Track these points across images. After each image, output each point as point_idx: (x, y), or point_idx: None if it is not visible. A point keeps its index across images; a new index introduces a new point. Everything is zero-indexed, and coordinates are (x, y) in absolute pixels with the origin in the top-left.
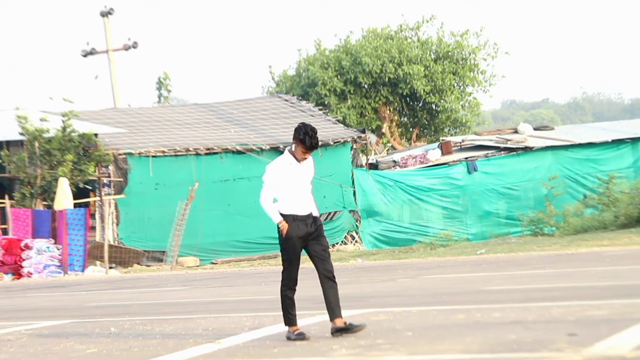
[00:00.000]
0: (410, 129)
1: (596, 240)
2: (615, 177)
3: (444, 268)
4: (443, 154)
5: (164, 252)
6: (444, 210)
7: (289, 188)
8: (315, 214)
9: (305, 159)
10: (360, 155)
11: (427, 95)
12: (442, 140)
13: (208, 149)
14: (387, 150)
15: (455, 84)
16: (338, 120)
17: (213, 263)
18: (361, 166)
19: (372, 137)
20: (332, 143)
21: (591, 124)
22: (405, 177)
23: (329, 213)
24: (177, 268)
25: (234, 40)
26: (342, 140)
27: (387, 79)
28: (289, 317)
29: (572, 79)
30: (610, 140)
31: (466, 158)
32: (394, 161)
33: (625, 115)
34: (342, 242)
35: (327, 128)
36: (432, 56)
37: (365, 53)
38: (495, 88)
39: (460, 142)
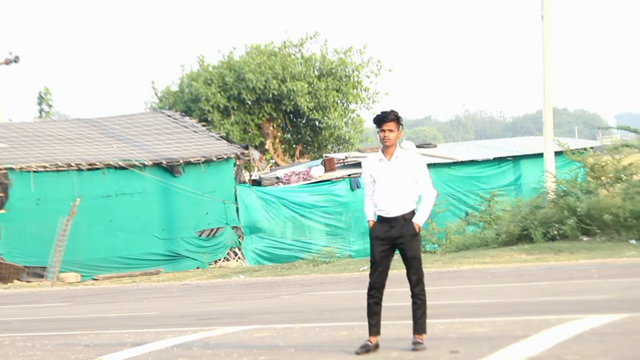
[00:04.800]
0: (294, 146)
1: (478, 257)
2: (497, 194)
3: (327, 285)
4: (326, 170)
5: (45, 268)
6: (327, 227)
7: (378, 186)
8: (418, 219)
9: (388, 143)
10: (244, 171)
11: (311, 112)
12: (326, 156)
13: (90, 165)
14: (271, 166)
15: (339, 101)
16: (221, 137)
17: (94, 279)
18: (244, 182)
19: (255, 154)
20: (215, 159)
21: (473, 141)
22: (288, 194)
23: (212, 229)
24: (58, 284)
25: (116, 56)
26: (225, 157)
27: (270, 96)
28: (368, 325)
29: (454, 97)
30: (492, 158)
31: (349, 175)
32: (277, 178)
33: (507, 133)
34: (224, 258)
35: (210, 144)
36: (316, 73)
37: (248, 69)
38: (378, 105)
39: (344, 159)
